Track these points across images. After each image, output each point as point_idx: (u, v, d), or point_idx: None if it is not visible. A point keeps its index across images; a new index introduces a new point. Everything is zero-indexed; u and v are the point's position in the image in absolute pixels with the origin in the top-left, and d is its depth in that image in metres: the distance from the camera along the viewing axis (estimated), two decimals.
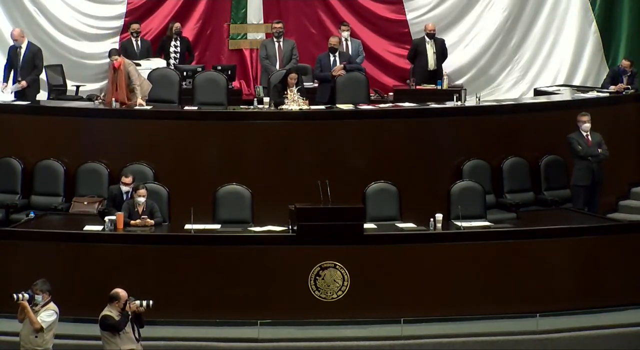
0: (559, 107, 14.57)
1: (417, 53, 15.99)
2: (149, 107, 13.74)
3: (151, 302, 9.65)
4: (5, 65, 14.89)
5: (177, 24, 16.49)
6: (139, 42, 16.12)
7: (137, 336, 9.74)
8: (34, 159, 13.33)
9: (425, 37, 16.00)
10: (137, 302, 9.66)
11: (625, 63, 15.25)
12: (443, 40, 16.18)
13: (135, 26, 16.27)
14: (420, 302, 11.21)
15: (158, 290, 10.97)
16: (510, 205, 13.31)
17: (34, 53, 14.66)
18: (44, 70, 15.64)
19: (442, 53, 16.04)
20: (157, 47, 16.45)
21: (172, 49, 16.30)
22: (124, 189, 12.29)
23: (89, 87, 16.10)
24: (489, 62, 17.38)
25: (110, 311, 9.68)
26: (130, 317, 9.66)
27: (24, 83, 14.40)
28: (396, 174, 12.97)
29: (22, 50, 14.59)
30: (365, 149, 13.48)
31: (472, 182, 12.81)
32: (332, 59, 15.00)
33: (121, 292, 9.71)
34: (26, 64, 14.56)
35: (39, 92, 14.82)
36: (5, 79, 14.76)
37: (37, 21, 16.80)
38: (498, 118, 14.01)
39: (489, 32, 17.35)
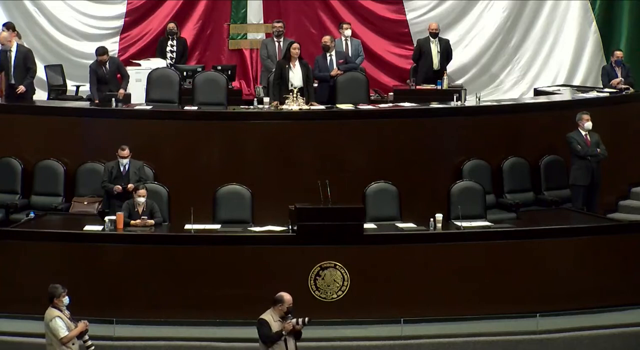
0: (559, 107, 14.56)
1: (421, 53, 15.93)
2: (149, 107, 13.76)
3: (307, 319, 9.47)
4: None
5: (171, 24, 16.52)
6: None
7: None
8: (34, 159, 13.32)
9: (429, 36, 15.97)
10: (294, 320, 9.46)
11: (618, 53, 15.22)
12: (448, 41, 16.12)
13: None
14: (420, 302, 11.20)
15: (158, 290, 10.99)
16: (510, 205, 13.30)
17: (25, 55, 14.28)
18: (44, 70, 15.63)
19: (446, 54, 15.96)
20: (157, 47, 16.50)
21: (168, 49, 16.33)
22: (123, 161, 12.45)
23: (89, 87, 16.08)
24: (489, 62, 17.39)
25: (272, 315, 9.49)
26: (283, 337, 9.43)
27: (22, 88, 14.16)
28: (396, 174, 12.97)
29: (12, 54, 14.29)
30: (365, 149, 13.46)
31: (472, 182, 12.81)
32: (328, 58, 14.98)
33: (286, 296, 9.52)
34: (18, 66, 14.28)
35: (34, 93, 14.60)
36: None
37: (37, 21, 16.81)
38: (498, 118, 13.99)
39: (489, 32, 17.35)
